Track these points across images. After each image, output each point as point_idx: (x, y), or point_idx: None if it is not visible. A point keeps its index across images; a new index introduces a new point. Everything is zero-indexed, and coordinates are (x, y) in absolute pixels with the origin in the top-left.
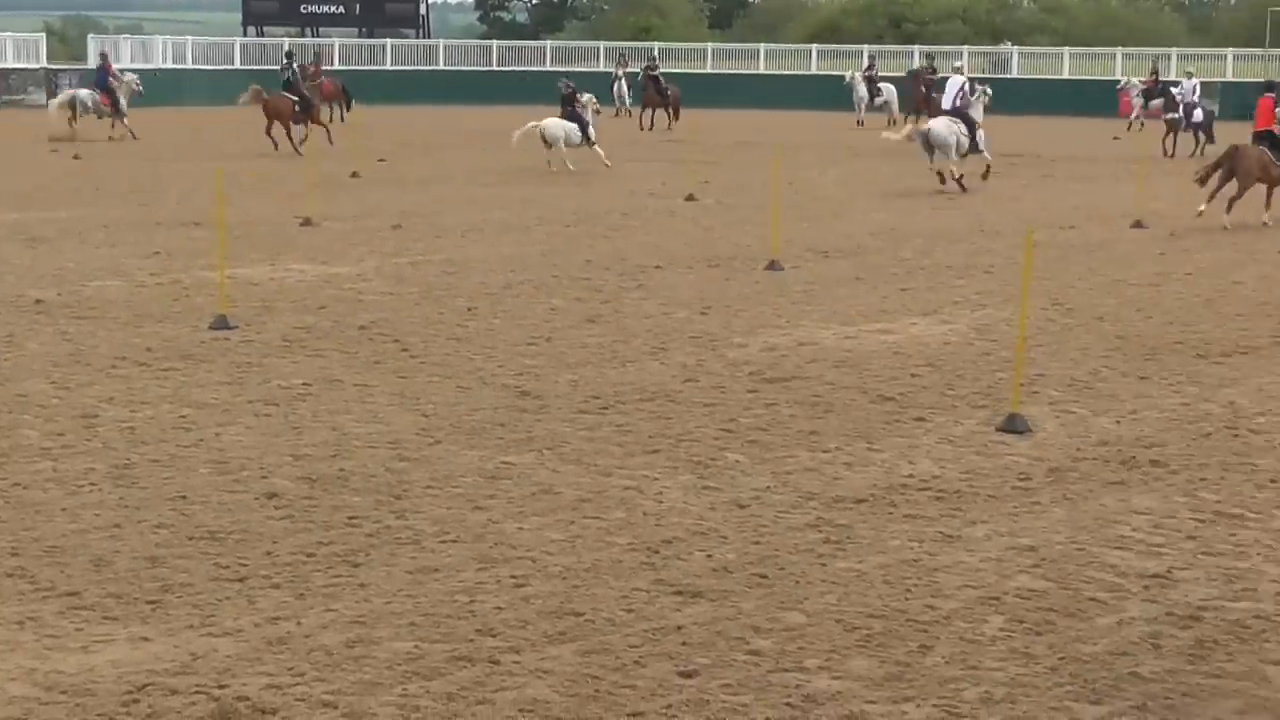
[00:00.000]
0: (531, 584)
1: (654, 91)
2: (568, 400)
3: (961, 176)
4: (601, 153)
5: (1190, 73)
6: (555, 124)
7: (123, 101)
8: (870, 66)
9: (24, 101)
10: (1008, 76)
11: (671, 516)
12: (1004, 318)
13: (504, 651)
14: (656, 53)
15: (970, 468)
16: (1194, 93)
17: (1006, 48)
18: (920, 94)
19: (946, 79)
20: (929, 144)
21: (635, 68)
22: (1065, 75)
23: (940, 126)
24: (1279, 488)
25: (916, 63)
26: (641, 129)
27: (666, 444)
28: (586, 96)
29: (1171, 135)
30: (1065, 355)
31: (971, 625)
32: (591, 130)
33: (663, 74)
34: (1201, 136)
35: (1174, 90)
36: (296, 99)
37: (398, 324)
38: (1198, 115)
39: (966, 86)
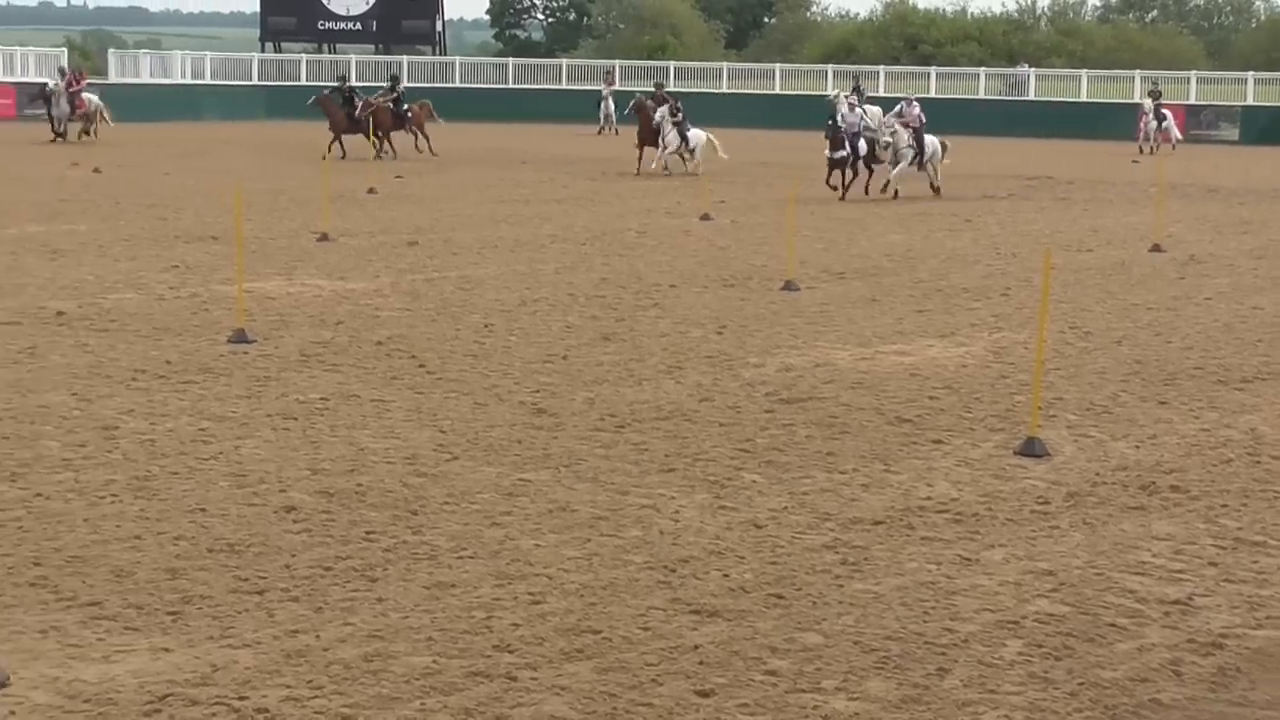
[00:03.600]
0: (548, 601)
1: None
2: (583, 418)
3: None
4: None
5: (1153, 92)
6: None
7: (63, 107)
8: (855, 89)
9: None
10: (1024, 99)
11: (688, 535)
12: (1021, 340)
13: (521, 668)
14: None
15: (988, 491)
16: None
17: (1023, 70)
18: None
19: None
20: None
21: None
22: (1083, 98)
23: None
24: None
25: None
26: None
27: (682, 463)
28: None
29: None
30: (1083, 379)
31: (989, 649)
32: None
33: (672, 93)
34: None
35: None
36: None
37: (414, 340)
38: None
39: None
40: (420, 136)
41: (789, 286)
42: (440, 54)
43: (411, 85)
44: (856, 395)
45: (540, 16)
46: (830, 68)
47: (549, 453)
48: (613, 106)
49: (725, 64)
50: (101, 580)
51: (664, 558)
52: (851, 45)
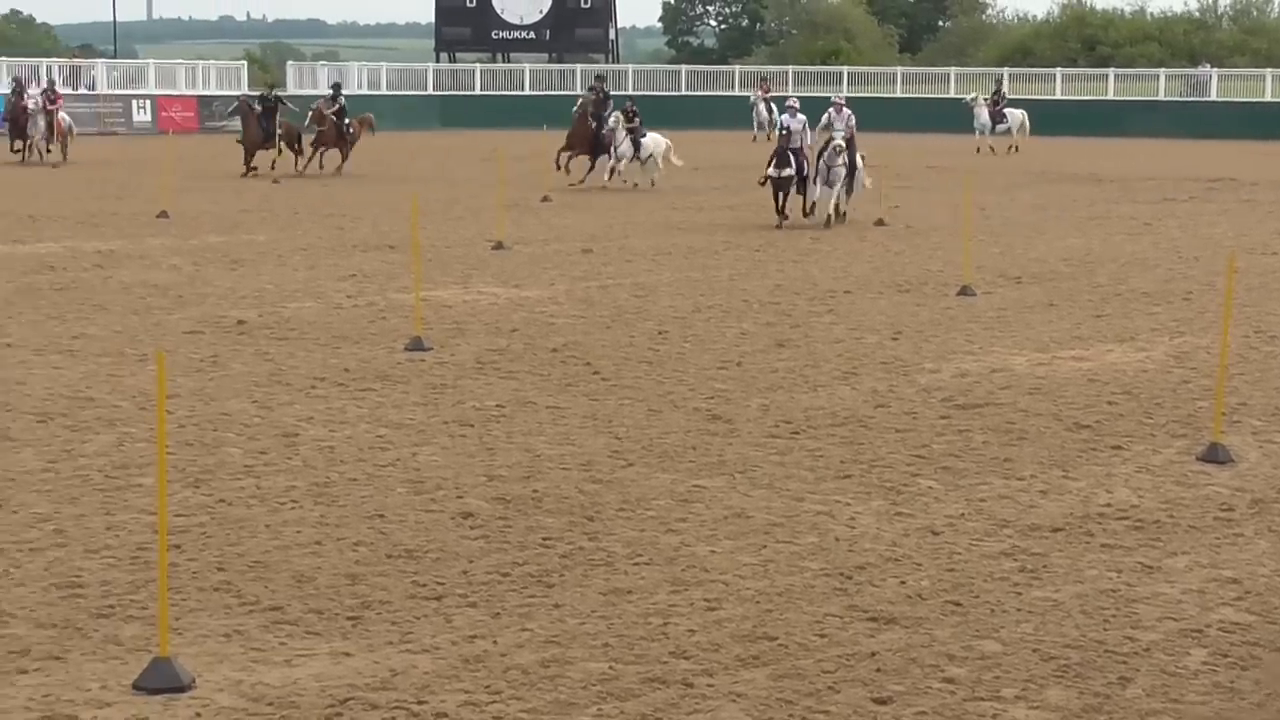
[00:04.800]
0: (724, 607)
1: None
2: (758, 424)
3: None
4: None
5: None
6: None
7: (40, 125)
8: (996, 91)
9: (225, 128)
10: (1206, 100)
11: (864, 542)
12: (1203, 345)
13: (697, 674)
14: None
15: (1169, 498)
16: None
17: (1205, 70)
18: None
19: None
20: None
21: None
22: (1268, 98)
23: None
24: None
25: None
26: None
27: (858, 469)
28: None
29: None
30: (1268, 384)
31: (1173, 658)
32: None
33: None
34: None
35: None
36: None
37: (589, 347)
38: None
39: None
40: (344, 156)
41: (965, 292)
42: (613, 61)
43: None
44: (1034, 401)
45: (712, 23)
46: (1006, 70)
47: (724, 459)
48: (765, 113)
49: (899, 68)
50: (283, 585)
51: (840, 564)
52: (1028, 47)
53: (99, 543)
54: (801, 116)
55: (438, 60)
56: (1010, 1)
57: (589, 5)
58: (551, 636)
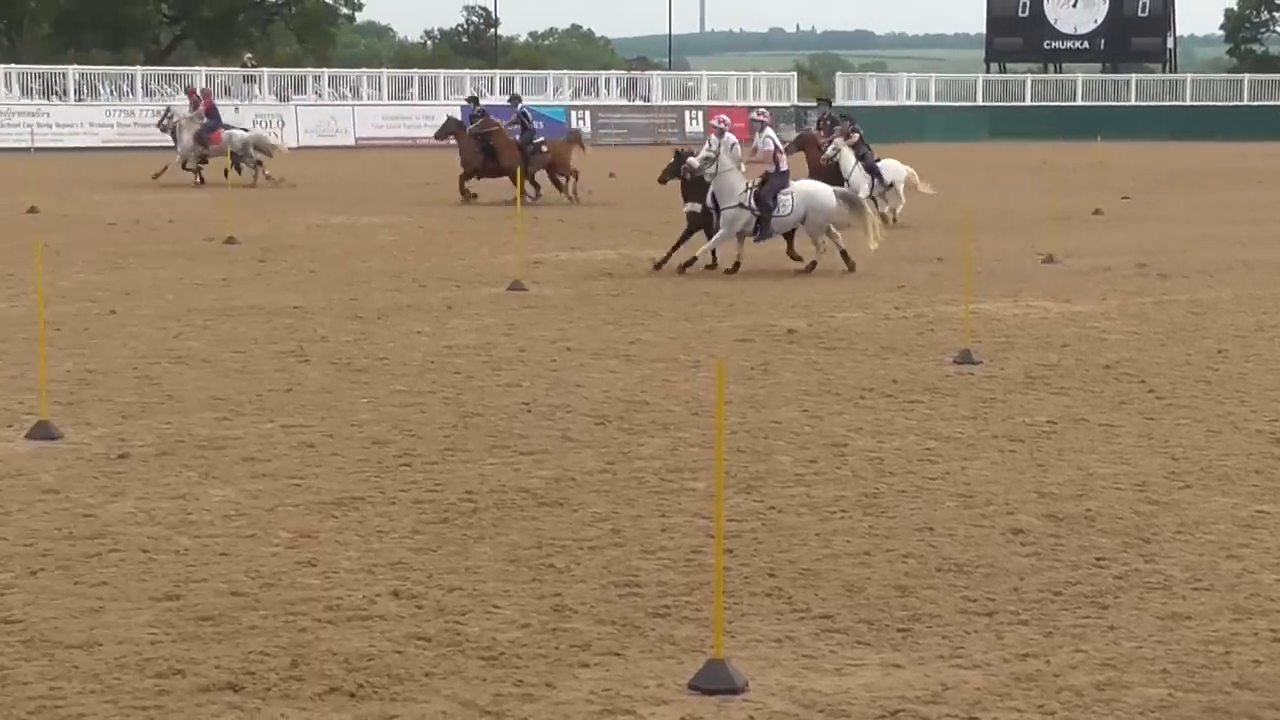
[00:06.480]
0: None
1: None
2: None
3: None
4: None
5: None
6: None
7: (185, 139)
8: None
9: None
10: None
11: None
12: None
13: (1263, 708)
14: None
15: None
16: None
17: None
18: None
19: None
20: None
21: None
22: None
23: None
24: None
25: None
26: None
27: None
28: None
29: None
30: None
31: None
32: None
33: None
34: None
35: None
36: None
37: (1142, 364)
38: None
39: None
40: (568, 179)
41: None
42: (1170, 71)
43: (1139, 103)
44: None
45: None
46: None
47: None
48: None
49: None
50: (833, 594)
51: None
52: None
53: (654, 544)
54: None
55: (987, 70)
56: None
57: (1146, 13)
58: (1107, 659)
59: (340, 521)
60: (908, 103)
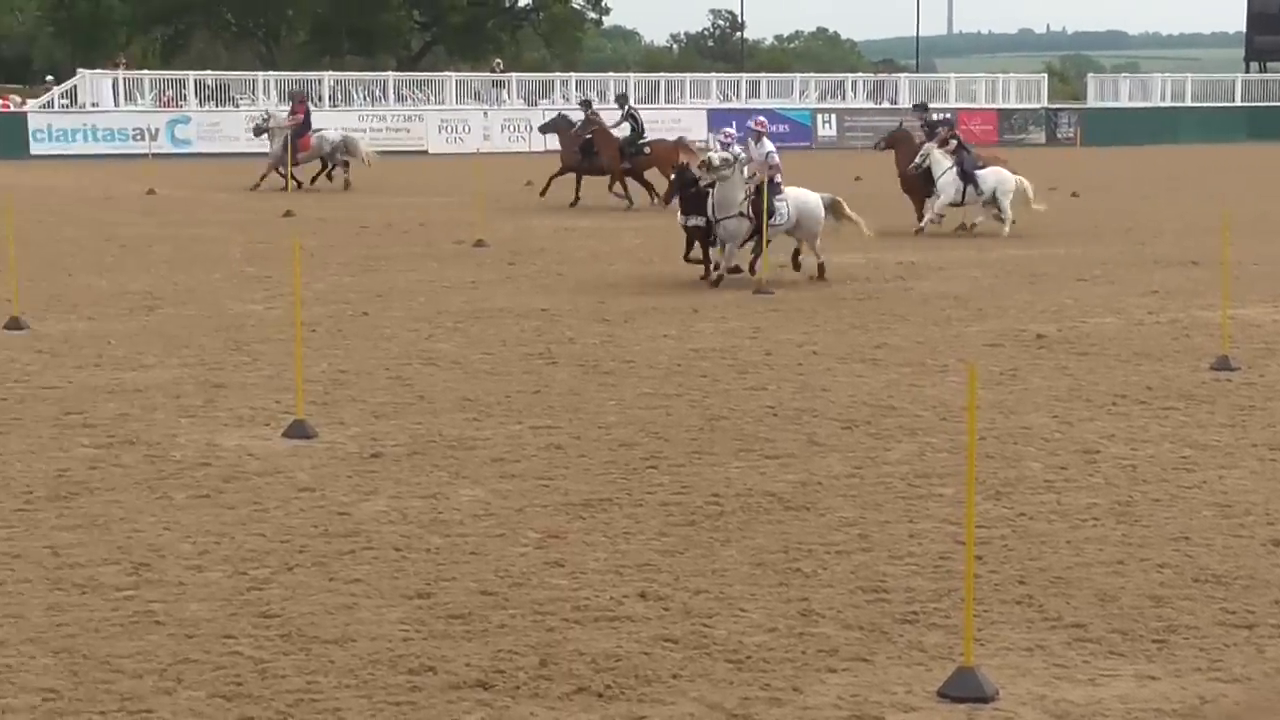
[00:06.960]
0: None
1: None
2: None
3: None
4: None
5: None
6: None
7: (274, 145)
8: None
9: (1024, 140)
10: None
11: None
12: None
13: None
14: None
15: None
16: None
17: None
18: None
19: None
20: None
21: None
22: None
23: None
24: None
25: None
26: None
27: None
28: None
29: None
30: None
31: None
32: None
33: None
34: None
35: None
36: None
37: None
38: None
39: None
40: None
41: None
42: None
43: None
44: None
45: None
46: None
47: None
48: None
49: None
50: (1085, 603)
51: None
52: None
53: (902, 549)
54: (736, 150)
55: (1246, 70)
56: None
57: None
58: None
59: (588, 522)
60: (1162, 104)
